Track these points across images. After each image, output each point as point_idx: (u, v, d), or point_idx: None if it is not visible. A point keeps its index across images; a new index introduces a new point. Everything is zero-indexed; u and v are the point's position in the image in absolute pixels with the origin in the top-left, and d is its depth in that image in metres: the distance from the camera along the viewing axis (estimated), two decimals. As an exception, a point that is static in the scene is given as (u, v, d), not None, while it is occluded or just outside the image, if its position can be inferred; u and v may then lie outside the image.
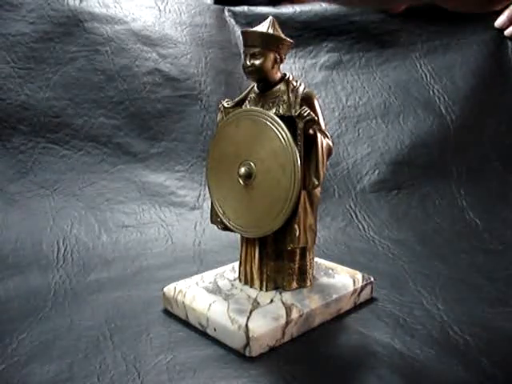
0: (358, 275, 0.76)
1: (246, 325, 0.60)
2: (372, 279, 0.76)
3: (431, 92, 1.20)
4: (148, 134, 1.10)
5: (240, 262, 0.72)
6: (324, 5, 1.26)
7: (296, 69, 1.26)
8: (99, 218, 0.98)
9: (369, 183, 1.13)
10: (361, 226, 1.04)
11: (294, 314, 0.63)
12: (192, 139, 1.13)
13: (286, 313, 0.63)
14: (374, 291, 0.76)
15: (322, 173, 0.63)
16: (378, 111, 1.20)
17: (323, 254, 0.92)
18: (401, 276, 0.84)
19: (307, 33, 1.28)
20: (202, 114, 1.14)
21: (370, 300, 0.75)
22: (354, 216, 1.06)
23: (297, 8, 1.27)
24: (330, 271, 0.77)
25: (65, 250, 0.90)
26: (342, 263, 0.84)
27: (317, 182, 0.63)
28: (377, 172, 1.13)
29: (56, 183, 1.00)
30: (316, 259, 0.76)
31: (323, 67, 1.27)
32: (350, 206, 1.09)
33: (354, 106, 1.22)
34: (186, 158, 1.11)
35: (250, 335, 0.58)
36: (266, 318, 0.62)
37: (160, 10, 1.17)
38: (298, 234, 0.64)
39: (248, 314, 0.62)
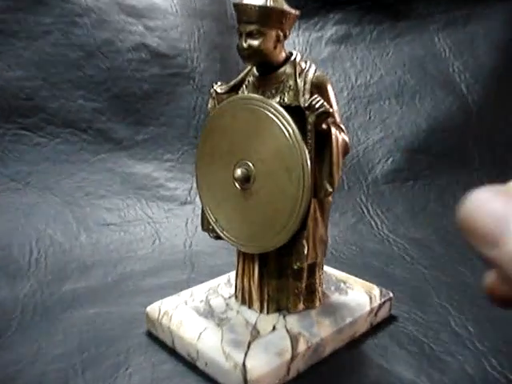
0: (375, 290, 0.65)
1: (244, 363, 0.51)
2: (391, 295, 0.66)
3: (451, 69, 1.13)
4: (133, 118, 1.02)
5: (237, 274, 0.62)
6: (331, -30, 1.17)
7: (299, 43, 1.17)
8: (77, 216, 0.90)
9: (381, 173, 1.05)
10: (373, 223, 0.95)
11: (301, 346, 0.54)
12: (183, 124, 1.05)
13: (292, 345, 0.54)
14: (393, 306, 0.66)
15: (336, 177, 0.52)
16: (392, 91, 1.12)
17: (332, 256, 0.83)
18: (422, 286, 0.75)
19: (312, 2, 1.19)
20: (195, 95, 1.06)
21: (389, 319, 0.66)
22: (365, 211, 0.98)
23: (301, -26, 1.15)
24: (342, 285, 0.67)
25: (38, 254, 0.82)
26: (354, 268, 0.77)
27: (330, 189, 0.52)
28: (390, 160, 1.06)
29: (29, 175, 0.92)
30: (325, 268, 0.65)
31: (330, 41, 1.18)
32: (361, 200, 1.00)
33: (364, 84, 1.14)
34: (177, 145, 1.03)
35: (249, 377, 0.50)
36: (268, 352, 0.52)
37: None
38: (306, 251, 0.53)
39: (246, 349, 0.53)
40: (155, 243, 0.88)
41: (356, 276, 0.70)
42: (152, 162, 1.00)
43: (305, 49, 1.16)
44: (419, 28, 1.16)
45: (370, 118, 1.10)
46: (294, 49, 1.15)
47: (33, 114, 0.95)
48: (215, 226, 0.59)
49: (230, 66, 1.08)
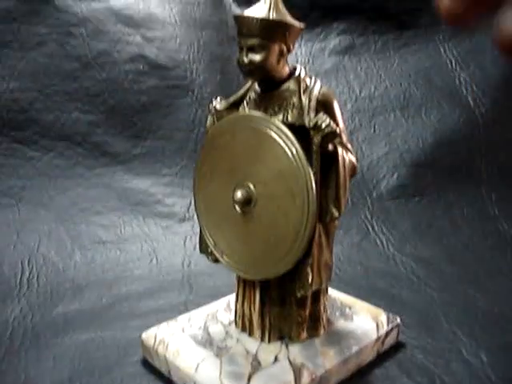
0: (382, 316, 0.62)
1: (244, 399, 0.46)
2: (398, 320, 0.63)
3: (457, 81, 1.10)
4: (130, 131, 0.99)
5: (236, 299, 0.59)
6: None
7: (302, 54, 1.14)
8: (72, 233, 0.87)
9: (386, 188, 1.02)
10: (378, 241, 0.92)
11: (305, 379, 0.51)
12: (182, 137, 1.01)
13: (295, 378, 0.51)
14: (400, 332, 0.63)
15: (343, 201, 0.49)
16: (397, 103, 1.09)
17: (336, 276, 0.80)
18: (430, 309, 0.72)
19: (315, 12, 1.16)
20: (194, 108, 1.03)
21: (396, 346, 0.63)
22: (370, 228, 0.94)
23: (303, -17, 1.13)
24: (347, 310, 0.63)
25: (30, 273, 0.79)
26: (359, 289, 0.75)
27: (337, 214, 0.49)
28: (396, 175, 1.03)
29: (22, 191, 0.90)
30: (329, 291, 0.62)
31: (333, 52, 1.15)
32: (366, 217, 0.97)
33: (368, 97, 1.11)
34: (175, 159, 1.00)
35: (249, 415, 0.45)
36: (270, 386, 0.48)
37: None
38: (310, 279, 0.50)
39: (246, 382, 0.50)
40: (152, 262, 0.85)
41: (361, 298, 0.67)
42: (150, 177, 0.97)
43: (307, 60, 1.13)
44: (424, 38, 1.13)
45: (374, 131, 1.07)
46: (296, 60, 1.13)
47: (26, 127, 0.92)
48: (214, 250, 0.56)
49: (230, 77, 1.05)
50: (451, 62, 1.10)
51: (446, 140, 1.04)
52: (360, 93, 1.10)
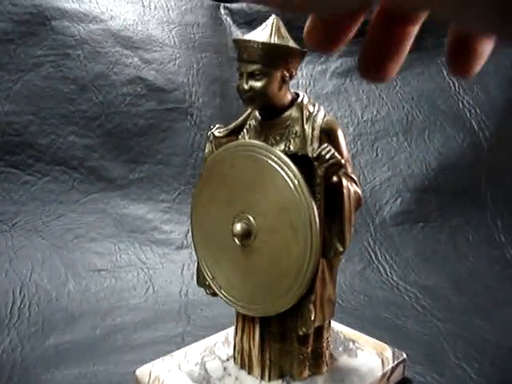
0: (387, 351, 0.60)
1: None
2: (404, 356, 0.60)
3: (460, 104, 1.08)
4: (127, 155, 0.97)
5: (235, 333, 0.56)
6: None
7: (303, 76, 1.13)
8: (66, 260, 0.85)
9: (390, 214, 1.00)
10: (382, 269, 0.90)
11: None
12: (180, 162, 0.99)
13: None
14: (406, 367, 0.61)
15: (348, 235, 0.47)
16: (400, 127, 1.08)
17: (338, 306, 0.77)
18: (437, 342, 0.70)
19: None
20: (193, 132, 1.01)
21: (402, 382, 0.60)
22: (373, 256, 0.92)
23: (304, 5, 1.11)
24: (351, 345, 0.61)
25: (21, 302, 0.76)
26: (362, 320, 0.73)
27: (341, 249, 0.47)
28: (399, 200, 1.01)
29: (15, 216, 0.88)
30: (331, 323, 0.59)
31: (334, 74, 1.14)
32: (369, 243, 0.95)
33: (370, 120, 1.09)
34: (173, 184, 0.98)
35: None
36: (270, 432, 0.46)
37: (144, 6, 1.03)
38: (313, 316, 0.47)
39: None
40: (148, 291, 0.82)
41: (365, 329, 0.65)
42: (147, 203, 0.95)
43: (308, 82, 1.11)
44: (427, 61, 1.12)
45: (377, 155, 1.05)
46: (297, 83, 1.11)
47: (21, 151, 0.91)
48: (212, 284, 0.53)
49: (230, 100, 1.03)
50: (454, 85, 1.09)
51: (450, 164, 1.03)
52: (362, 116, 1.08)
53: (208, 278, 0.54)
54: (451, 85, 1.08)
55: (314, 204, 0.44)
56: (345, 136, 0.51)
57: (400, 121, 1.08)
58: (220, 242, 0.51)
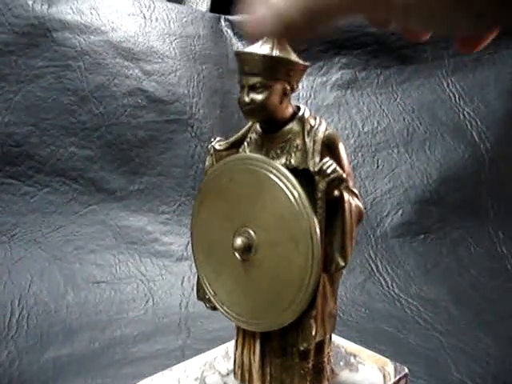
0: (389, 366, 0.59)
1: None
2: (406, 370, 0.59)
3: (461, 115, 1.09)
4: (127, 167, 0.97)
5: (236, 348, 0.56)
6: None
7: (304, 88, 1.13)
8: (65, 272, 0.85)
9: (391, 226, 0.99)
10: (383, 281, 0.89)
11: None
12: (180, 173, 0.99)
13: None
14: (408, 381, 0.60)
15: (349, 249, 0.46)
16: (400, 139, 1.08)
17: (339, 319, 0.76)
18: (439, 356, 0.69)
19: (317, 46, 1.14)
20: (193, 143, 1.00)
21: None
22: (374, 268, 0.92)
23: (305, 17, 1.11)
24: (352, 359, 0.60)
25: (19, 315, 0.76)
26: (363, 333, 0.73)
27: (343, 263, 0.46)
28: (400, 212, 1.01)
29: (14, 227, 0.88)
30: (332, 337, 0.59)
31: (335, 86, 1.14)
32: (370, 255, 0.95)
33: (371, 132, 1.09)
34: (173, 196, 0.97)
35: None
36: None
37: (145, 18, 1.03)
38: (314, 331, 0.47)
39: None
40: (148, 303, 0.82)
41: (366, 343, 0.64)
42: (147, 215, 0.95)
43: (309, 94, 1.11)
44: (427, 73, 1.12)
45: (377, 167, 1.05)
46: (298, 95, 1.11)
47: (21, 162, 0.91)
48: (214, 300, 0.53)
49: (230, 112, 1.03)
50: (455, 97, 1.09)
51: (451, 176, 1.03)
52: (363, 128, 1.09)
53: (210, 295, 0.53)
54: (451, 96, 1.09)
55: (313, 215, 0.44)
56: (346, 148, 0.50)
57: (401, 132, 1.08)
58: (221, 258, 0.51)
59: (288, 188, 0.45)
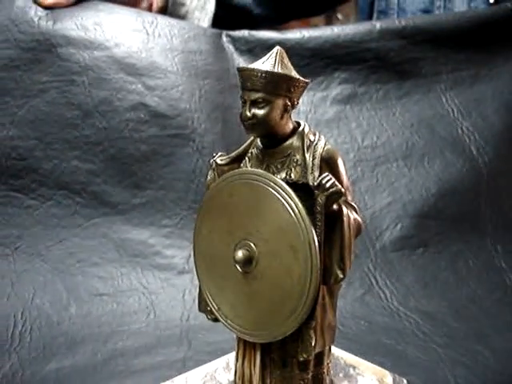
0: (388, 378, 0.60)
1: None
2: (405, 382, 0.60)
3: (460, 130, 1.08)
4: (130, 180, 0.96)
5: (236, 359, 0.56)
6: (336, 29, 1.13)
7: (303, 103, 1.12)
8: (68, 284, 0.84)
9: (390, 240, 0.99)
10: (382, 295, 0.89)
11: None
12: (182, 187, 0.98)
13: None
14: (407, 393, 0.60)
15: (348, 262, 0.47)
16: (400, 153, 1.07)
17: (339, 332, 0.76)
18: (438, 369, 0.69)
19: (316, 61, 1.14)
20: (195, 158, 0.99)
21: None
22: (373, 281, 0.92)
23: (305, 33, 1.12)
24: (351, 371, 0.61)
25: (22, 327, 0.76)
26: (363, 346, 0.73)
27: (341, 275, 0.47)
28: (399, 226, 1.00)
29: (18, 240, 0.87)
30: (332, 349, 0.59)
31: (335, 101, 1.13)
32: (369, 269, 0.94)
33: (371, 146, 1.09)
34: (175, 209, 0.96)
35: None
36: None
37: (148, 34, 1.02)
38: (313, 342, 0.48)
39: None
40: (150, 316, 0.82)
41: (365, 355, 0.65)
42: (149, 228, 0.94)
43: (309, 109, 1.11)
44: (426, 87, 1.12)
45: (377, 181, 1.05)
46: (298, 109, 1.12)
47: (24, 175, 0.90)
48: (218, 315, 0.54)
49: (232, 126, 1.02)
50: (453, 111, 1.09)
51: (450, 190, 1.02)
52: (362, 142, 1.08)
53: (214, 310, 0.54)
54: (450, 111, 1.09)
55: (311, 225, 0.45)
56: (345, 162, 0.51)
57: (400, 147, 1.08)
58: (223, 272, 0.52)
59: (286, 200, 0.46)
